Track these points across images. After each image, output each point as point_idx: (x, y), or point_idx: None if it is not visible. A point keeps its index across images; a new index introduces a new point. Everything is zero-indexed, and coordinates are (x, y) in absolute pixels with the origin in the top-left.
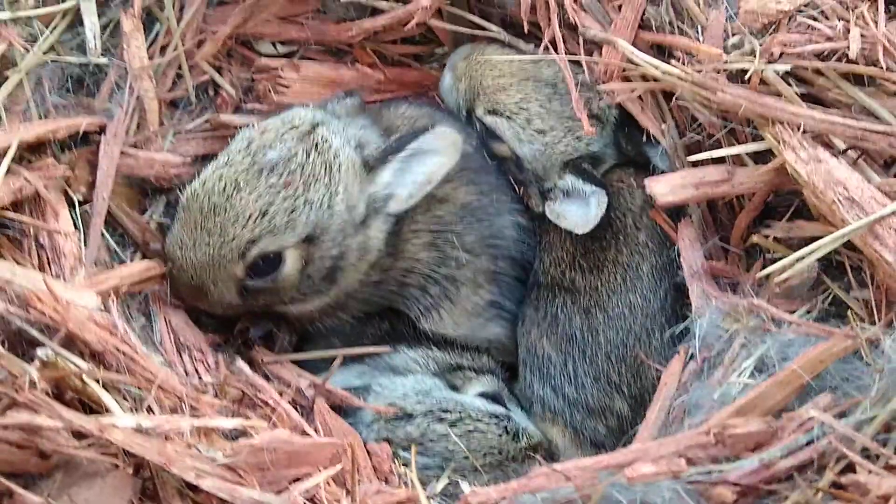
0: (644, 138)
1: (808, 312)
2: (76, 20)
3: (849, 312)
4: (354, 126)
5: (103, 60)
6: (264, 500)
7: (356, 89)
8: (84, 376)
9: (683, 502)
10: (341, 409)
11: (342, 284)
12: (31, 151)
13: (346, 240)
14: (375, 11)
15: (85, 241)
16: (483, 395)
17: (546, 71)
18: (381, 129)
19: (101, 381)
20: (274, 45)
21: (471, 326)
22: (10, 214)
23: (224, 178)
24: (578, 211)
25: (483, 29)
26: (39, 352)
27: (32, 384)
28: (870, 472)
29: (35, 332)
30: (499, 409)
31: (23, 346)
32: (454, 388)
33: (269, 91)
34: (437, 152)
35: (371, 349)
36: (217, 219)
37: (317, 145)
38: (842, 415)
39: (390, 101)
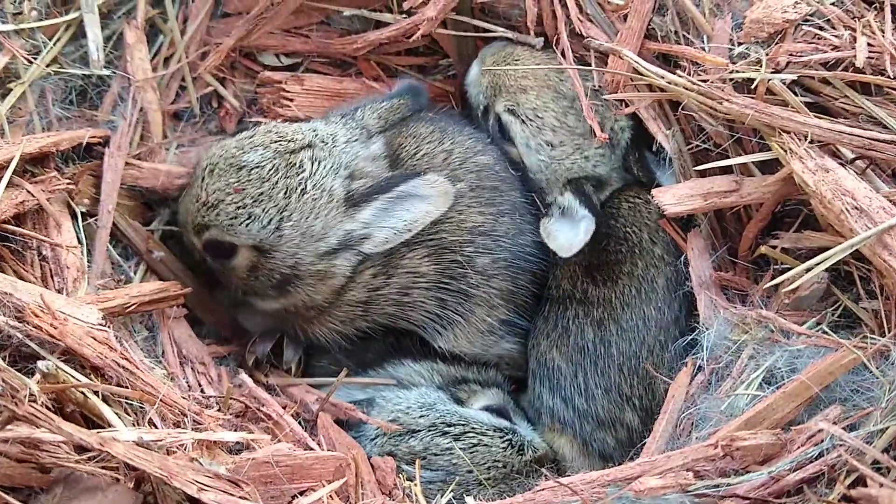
0: (653, 157)
1: (818, 324)
2: (79, 32)
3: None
4: (353, 152)
5: (106, 72)
6: None
7: (418, 83)
8: (85, 389)
9: None
10: (345, 424)
11: (297, 298)
12: (34, 164)
13: (300, 264)
14: (380, 24)
15: (88, 253)
16: (488, 408)
17: (567, 85)
18: (392, 148)
19: (101, 395)
20: (278, 56)
21: (484, 344)
22: (13, 228)
23: (216, 156)
24: (568, 233)
25: (487, 34)
26: (40, 364)
27: (32, 398)
28: (881, 485)
29: (35, 346)
30: (503, 423)
31: (24, 361)
32: (459, 401)
33: (273, 104)
34: (425, 199)
35: (377, 382)
36: (195, 189)
37: (291, 166)
38: (852, 427)
39: (416, 114)
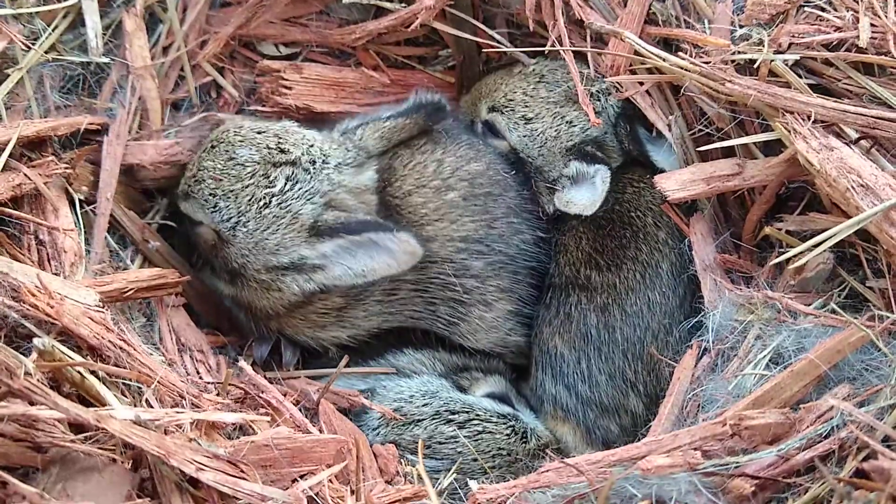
0: (648, 134)
1: (824, 305)
2: (78, 19)
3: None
4: (337, 180)
5: (105, 60)
6: (267, 493)
7: (440, 99)
8: (82, 369)
9: (700, 495)
10: (348, 415)
11: (244, 295)
12: (32, 148)
13: (247, 268)
14: (379, 13)
15: (86, 241)
16: (491, 395)
17: (533, 64)
18: (389, 159)
19: (99, 375)
20: (277, 46)
21: (489, 340)
22: (9, 211)
23: (224, 133)
24: (586, 194)
25: (485, 32)
26: (36, 341)
27: (28, 375)
28: (893, 460)
29: (31, 326)
30: (507, 410)
31: (20, 340)
32: (461, 388)
33: (272, 93)
34: (389, 253)
35: (378, 371)
36: (195, 157)
37: (265, 177)
38: (861, 404)
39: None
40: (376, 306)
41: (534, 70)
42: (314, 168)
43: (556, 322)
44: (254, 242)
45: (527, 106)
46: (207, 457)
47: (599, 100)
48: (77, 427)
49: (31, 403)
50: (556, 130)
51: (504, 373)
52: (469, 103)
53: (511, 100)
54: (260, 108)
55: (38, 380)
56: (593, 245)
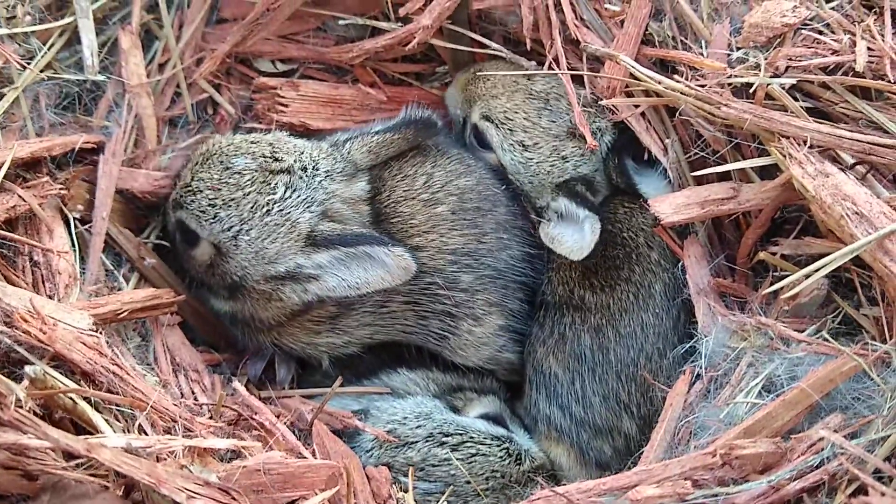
0: (636, 165)
1: (818, 331)
2: (74, 38)
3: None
4: (331, 189)
5: (101, 78)
6: None
7: (431, 116)
8: (74, 395)
9: None
10: (342, 436)
11: (245, 308)
12: (27, 169)
13: (247, 278)
14: (376, 31)
15: (81, 260)
16: (485, 416)
17: (539, 85)
18: (379, 171)
19: (91, 401)
20: (273, 63)
21: (478, 356)
22: (4, 233)
23: (217, 146)
24: (574, 236)
25: (484, 47)
26: (28, 369)
27: (19, 403)
28: (882, 494)
29: (23, 351)
30: (501, 431)
31: (12, 366)
32: (455, 409)
33: (268, 110)
34: (384, 267)
35: (371, 391)
36: (187, 169)
37: (266, 184)
38: (853, 435)
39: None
40: (368, 317)
41: (540, 91)
42: (306, 175)
43: (551, 342)
44: (254, 252)
45: (526, 132)
46: (199, 484)
47: (596, 135)
48: (69, 454)
49: (22, 433)
50: (550, 165)
51: (498, 393)
52: (461, 97)
53: (510, 119)
54: (256, 124)
55: (28, 409)
56: (587, 265)
